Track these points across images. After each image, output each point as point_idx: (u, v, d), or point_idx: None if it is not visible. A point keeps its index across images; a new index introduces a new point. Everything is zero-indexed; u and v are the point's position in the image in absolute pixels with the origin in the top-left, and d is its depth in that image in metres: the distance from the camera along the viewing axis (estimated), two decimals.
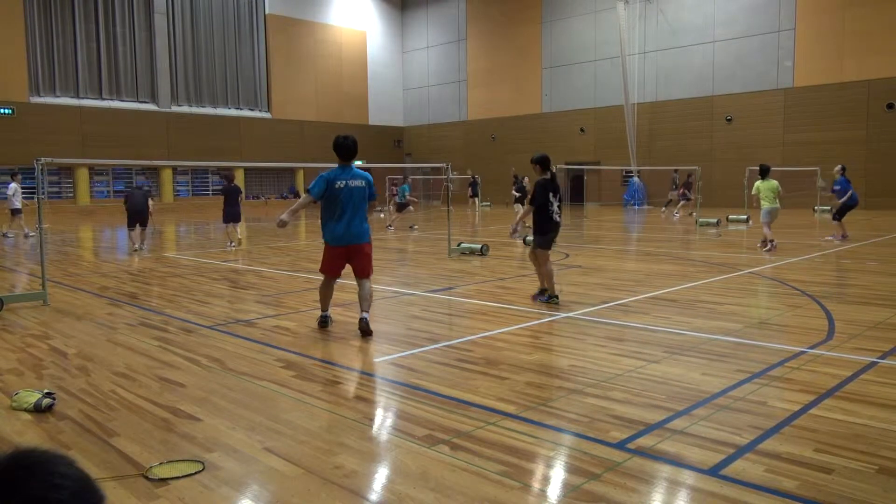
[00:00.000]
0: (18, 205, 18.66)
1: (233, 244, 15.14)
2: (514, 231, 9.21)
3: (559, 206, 7.88)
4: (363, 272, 6.46)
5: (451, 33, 39.12)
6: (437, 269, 10.87)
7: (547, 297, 7.89)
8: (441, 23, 39.64)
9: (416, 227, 20.49)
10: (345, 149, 6.33)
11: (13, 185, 18.90)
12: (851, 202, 14.83)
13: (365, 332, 6.32)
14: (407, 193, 20.57)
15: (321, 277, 6.70)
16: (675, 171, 26.12)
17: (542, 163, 7.86)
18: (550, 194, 7.78)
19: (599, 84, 32.92)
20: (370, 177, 6.42)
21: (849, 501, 3.01)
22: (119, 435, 3.92)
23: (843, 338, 6.00)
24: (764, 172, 13.13)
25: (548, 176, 7.85)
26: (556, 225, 7.92)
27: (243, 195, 15.95)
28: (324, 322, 6.73)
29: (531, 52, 35.42)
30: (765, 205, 13.00)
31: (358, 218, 6.33)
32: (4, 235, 18.94)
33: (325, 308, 6.75)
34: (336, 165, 6.39)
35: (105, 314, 7.68)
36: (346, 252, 6.38)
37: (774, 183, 13.08)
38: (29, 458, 1.04)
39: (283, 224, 6.50)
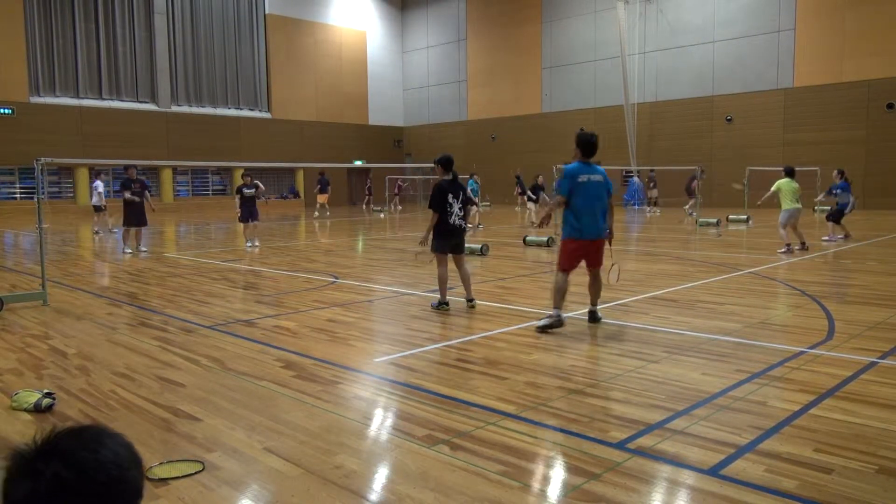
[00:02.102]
0: (101, 202, 19.20)
1: (253, 243, 15.32)
2: (424, 241, 7.81)
3: (461, 209, 7.52)
4: (597, 263, 6.78)
5: (451, 33, 39.10)
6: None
7: (437, 303, 7.67)
8: (441, 23, 39.63)
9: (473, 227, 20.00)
10: (590, 146, 6.57)
11: (100, 184, 19.24)
12: (843, 206, 14.55)
13: (593, 318, 6.82)
14: (475, 192, 19.31)
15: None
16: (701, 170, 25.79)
17: (445, 164, 7.55)
18: (450, 196, 7.42)
19: (599, 84, 32.90)
20: (604, 171, 6.69)
21: (849, 501, 3.00)
22: None
23: (843, 338, 6.00)
24: (789, 173, 12.97)
25: (449, 177, 7.52)
26: (455, 229, 7.51)
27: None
28: (557, 322, 6.40)
29: (531, 52, 35.41)
30: (786, 205, 12.81)
31: (600, 212, 6.58)
32: (96, 233, 19.18)
33: (559, 305, 6.48)
34: (578, 162, 6.59)
35: (105, 314, 7.67)
36: (586, 246, 6.59)
37: (796, 184, 12.94)
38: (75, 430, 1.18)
39: (543, 223, 7.10)
